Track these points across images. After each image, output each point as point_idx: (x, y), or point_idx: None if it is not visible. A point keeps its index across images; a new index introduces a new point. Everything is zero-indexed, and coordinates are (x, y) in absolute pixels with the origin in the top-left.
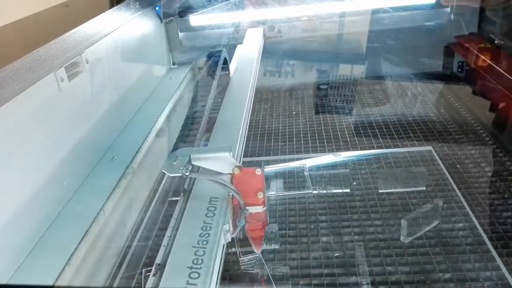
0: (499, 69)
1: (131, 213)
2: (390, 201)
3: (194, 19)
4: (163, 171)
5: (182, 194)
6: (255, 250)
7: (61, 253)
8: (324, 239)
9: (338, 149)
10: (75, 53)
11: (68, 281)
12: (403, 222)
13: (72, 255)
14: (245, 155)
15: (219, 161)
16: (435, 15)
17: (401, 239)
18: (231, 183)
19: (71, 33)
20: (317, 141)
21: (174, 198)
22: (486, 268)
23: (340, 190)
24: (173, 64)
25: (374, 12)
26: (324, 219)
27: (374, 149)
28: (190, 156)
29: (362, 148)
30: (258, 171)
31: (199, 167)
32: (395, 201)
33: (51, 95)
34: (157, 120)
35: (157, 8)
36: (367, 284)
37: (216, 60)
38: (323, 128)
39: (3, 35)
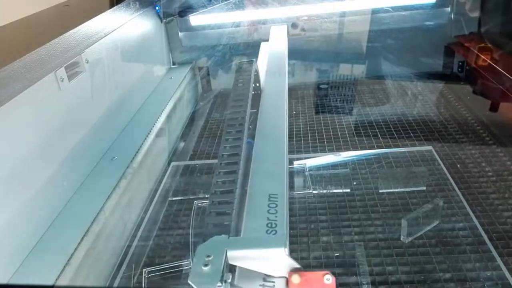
0: (500, 69)
1: (131, 213)
2: (390, 201)
3: (194, 19)
4: (189, 282)
5: None
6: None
7: (61, 253)
8: (324, 238)
9: (338, 149)
10: (75, 53)
11: (68, 281)
12: (403, 222)
13: (72, 255)
14: None
15: (268, 260)
16: (435, 15)
17: (401, 239)
18: None
19: (71, 33)
20: (317, 141)
21: (174, 198)
22: (486, 268)
23: (340, 190)
24: (173, 64)
25: (374, 11)
26: (324, 219)
27: (374, 149)
28: (226, 253)
29: (362, 148)
30: (329, 279)
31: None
32: (395, 201)
33: (51, 95)
34: (157, 120)
35: (157, 8)
36: (367, 284)
37: (248, 73)
38: (323, 128)
39: (3, 35)
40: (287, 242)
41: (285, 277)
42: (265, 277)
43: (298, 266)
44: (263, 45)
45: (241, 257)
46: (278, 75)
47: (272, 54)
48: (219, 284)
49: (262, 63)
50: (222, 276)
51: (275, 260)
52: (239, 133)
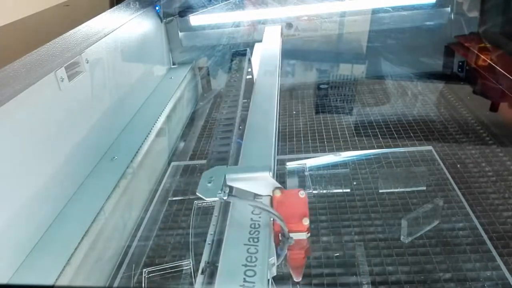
0: (500, 69)
1: (131, 213)
2: (390, 201)
3: (194, 19)
4: (198, 194)
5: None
6: (295, 280)
7: (61, 253)
8: (325, 238)
9: (338, 149)
10: (75, 53)
11: (68, 281)
12: (403, 222)
13: (72, 255)
14: None
15: (257, 182)
16: (435, 15)
17: (401, 239)
18: (271, 206)
19: (71, 33)
20: (317, 141)
21: (174, 198)
22: (486, 268)
23: (340, 190)
24: (173, 64)
25: (374, 11)
26: (324, 219)
27: (374, 149)
28: (225, 176)
29: (362, 148)
30: (302, 194)
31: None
32: (395, 201)
33: (51, 95)
34: (157, 120)
35: (157, 8)
36: (367, 284)
37: (240, 60)
38: (323, 128)
39: (3, 35)
40: (273, 168)
41: (270, 195)
42: (255, 196)
43: (279, 186)
44: (257, 45)
45: (236, 178)
46: (269, 74)
47: (265, 54)
48: (219, 192)
49: (255, 63)
50: (222, 189)
51: (262, 181)
52: (234, 102)
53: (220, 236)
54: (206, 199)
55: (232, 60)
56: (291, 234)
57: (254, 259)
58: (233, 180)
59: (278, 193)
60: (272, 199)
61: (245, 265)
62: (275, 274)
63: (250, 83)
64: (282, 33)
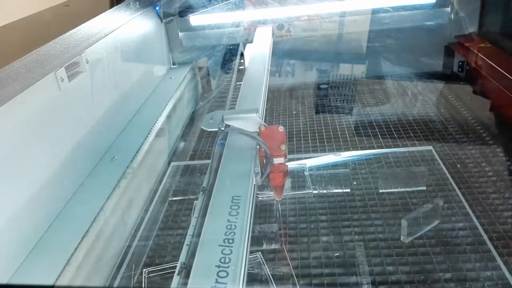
0: (500, 69)
1: (131, 213)
2: (390, 201)
3: (194, 19)
4: (202, 127)
5: (201, 192)
6: (276, 198)
7: (61, 253)
8: (325, 239)
9: (338, 149)
10: (75, 53)
11: (68, 281)
12: (403, 222)
13: (72, 255)
14: None
15: (247, 120)
16: (435, 15)
17: (401, 239)
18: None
19: (71, 33)
20: (317, 141)
21: (174, 198)
22: (486, 268)
23: (340, 190)
24: (173, 64)
25: (374, 11)
26: (324, 219)
27: (374, 149)
28: (223, 116)
29: (362, 148)
30: (281, 128)
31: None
32: (395, 201)
33: (51, 95)
34: (157, 120)
35: (157, 8)
36: (368, 284)
37: (233, 54)
38: (323, 128)
39: (3, 35)
40: (260, 111)
41: (257, 131)
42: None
43: (264, 123)
44: (248, 46)
45: (231, 118)
46: (258, 74)
47: (254, 56)
48: (219, 124)
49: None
50: (220, 123)
51: (251, 120)
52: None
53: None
54: (209, 129)
55: (225, 54)
56: (273, 159)
57: (228, 260)
58: (229, 119)
59: (263, 128)
60: (258, 133)
61: (218, 266)
62: (259, 183)
63: (242, 71)
64: (274, 33)
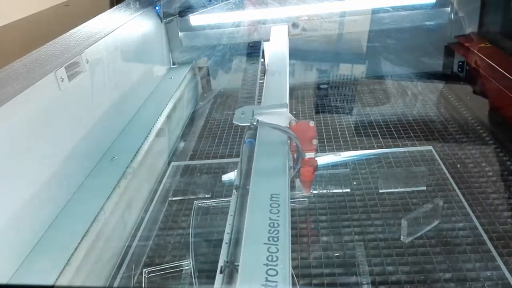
0: (500, 69)
1: (131, 213)
2: (390, 201)
3: (194, 19)
4: (234, 122)
5: (234, 190)
6: (305, 193)
7: (61, 253)
8: (325, 238)
9: (338, 149)
10: (75, 53)
11: (68, 281)
12: (403, 222)
13: (72, 255)
14: None
15: (278, 115)
16: (435, 15)
17: (401, 239)
18: None
19: (71, 33)
20: (317, 141)
21: (174, 198)
22: (486, 268)
23: (340, 190)
24: (173, 64)
25: (374, 11)
26: (324, 219)
27: (374, 149)
28: (253, 111)
29: (362, 148)
30: (311, 123)
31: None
32: (395, 201)
33: (51, 95)
34: (157, 120)
35: (157, 8)
36: (368, 284)
37: (256, 51)
38: (323, 128)
39: (3, 35)
40: (288, 105)
41: (288, 126)
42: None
43: (294, 118)
44: (265, 44)
45: (262, 113)
46: (278, 74)
47: (273, 53)
48: (251, 119)
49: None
50: (252, 117)
51: (281, 115)
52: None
53: (237, 235)
54: (241, 124)
55: (248, 50)
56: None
57: (275, 258)
58: (260, 114)
59: (293, 123)
60: (289, 128)
61: (266, 264)
62: (292, 176)
63: (264, 67)
64: (289, 32)
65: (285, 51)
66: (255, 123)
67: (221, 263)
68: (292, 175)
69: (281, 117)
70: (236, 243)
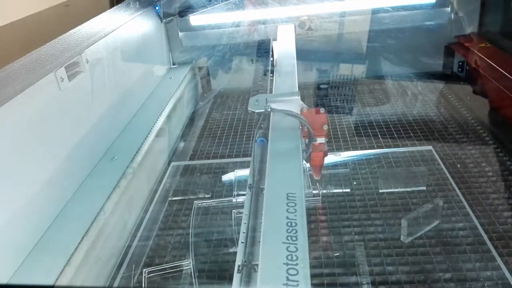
0: (500, 69)
1: (131, 213)
2: (390, 200)
3: (194, 19)
4: (249, 109)
5: (248, 189)
6: (315, 177)
7: (61, 253)
8: (325, 238)
9: (338, 149)
10: (75, 53)
11: (68, 281)
12: (403, 222)
13: (72, 255)
14: (244, 155)
15: (290, 103)
16: (435, 15)
17: (401, 239)
18: None
19: (71, 33)
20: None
21: (174, 198)
22: (486, 268)
23: (340, 190)
24: (173, 63)
25: (374, 11)
26: (324, 219)
27: (374, 149)
28: (267, 98)
29: (362, 148)
30: (322, 110)
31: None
32: (395, 201)
33: (51, 95)
34: (157, 120)
35: (157, 8)
36: (368, 283)
37: (266, 49)
38: None
39: (3, 35)
40: (299, 93)
41: (299, 112)
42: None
43: (306, 106)
44: (274, 43)
45: (275, 100)
46: (287, 67)
47: (281, 51)
48: (265, 105)
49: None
50: (266, 104)
51: (293, 102)
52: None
53: (253, 234)
54: (256, 111)
55: (258, 48)
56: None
57: (295, 258)
58: (273, 101)
59: (305, 110)
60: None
61: (286, 264)
62: (303, 159)
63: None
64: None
65: (293, 49)
66: (269, 110)
67: (238, 262)
68: (304, 158)
69: (293, 104)
70: (252, 242)
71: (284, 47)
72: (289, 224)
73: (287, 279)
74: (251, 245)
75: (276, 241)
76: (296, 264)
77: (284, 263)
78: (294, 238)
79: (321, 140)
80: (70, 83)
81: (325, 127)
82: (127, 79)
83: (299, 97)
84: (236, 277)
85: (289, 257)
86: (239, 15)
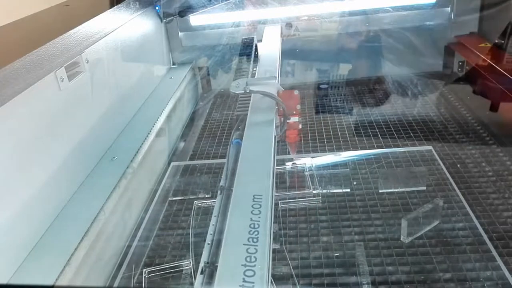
0: (500, 69)
1: (131, 213)
2: (390, 201)
3: (194, 19)
4: (230, 90)
5: (219, 191)
6: (291, 153)
7: (61, 253)
8: (325, 238)
9: (338, 149)
10: (75, 53)
11: (68, 281)
12: (403, 222)
13: (72, 255)
14: None
15: (268, 85)
16: (435, 15)
17: (401, 239)
18: None
19: (71, 33)
20: (317, 141)
21: (174, 198)
22: (486, 268)
23: (340, 190)
24: (173, 63)
25: (374, 11)
26: (324, 219)
27: (374, 148)
28: (247, 82)
29: (362, 148)
30: (296, 92)
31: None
32: (395, 201)
33: (51, 95)
34: (157, 120)
35: (157, 8)
36: (368, 284)
37: (249, 45)
38: (323, 128)
39: (3, 35)
40: (278, 78)
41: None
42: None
43: (281, 88)
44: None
45: (254, 83)
46: (268, 74)
47: (265, 49)
48: (245, 87)
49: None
50: (245, 87)
51: (271, 85)
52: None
53: (220, 236)
54: (236, 92)
55: (242, 45)
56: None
57: (253, 259)
58: (252, 84)
59: (281, 91)
60: (277, 95)
61: (245, 265)
62: (278, 134)
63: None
64: (282, 32)
65: (277, 46)
66: (248, 91)
67: (201, 263)
68: (279, 135)
69: (271, 87)
70: (218, 244)
71: (268, 46)
72: (252, 226)
73: (243, 280)
74: (216, 247)
75: (237, 242)
76: (254, 266)
77: (242, 265)
78: (255, 240)
79: (294, 119)
80: (70, 83)
81: (298, 107)
82: (127, 79)
83: (276, 81)
84: (199, 278)
85: (248, 259)
86: (239, 15)
